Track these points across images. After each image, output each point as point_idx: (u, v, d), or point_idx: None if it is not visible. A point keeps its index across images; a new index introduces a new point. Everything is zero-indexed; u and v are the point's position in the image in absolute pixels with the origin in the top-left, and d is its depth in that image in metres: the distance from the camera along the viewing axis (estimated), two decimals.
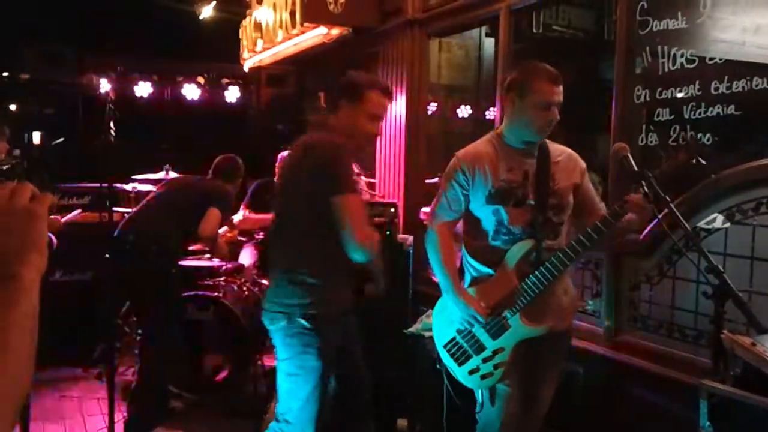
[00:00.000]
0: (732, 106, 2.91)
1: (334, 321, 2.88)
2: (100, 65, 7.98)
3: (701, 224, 2.93)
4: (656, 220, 2.66)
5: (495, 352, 2.81)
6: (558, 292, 2.83)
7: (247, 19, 6.59)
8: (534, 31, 5.04)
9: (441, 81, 5.54)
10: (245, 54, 6.78)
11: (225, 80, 8.66)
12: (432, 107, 5.39)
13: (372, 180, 5.44)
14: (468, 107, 5.99)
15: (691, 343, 3.04)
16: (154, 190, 4.67)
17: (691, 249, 2.62)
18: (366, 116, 2.96)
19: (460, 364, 2.89)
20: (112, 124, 3.94)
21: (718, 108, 2.95)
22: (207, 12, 7.89)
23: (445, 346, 2.94)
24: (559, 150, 2.87)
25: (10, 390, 0.86)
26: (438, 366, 3.03)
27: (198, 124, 8.63)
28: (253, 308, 4.51)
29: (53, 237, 4.34)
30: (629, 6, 3.34)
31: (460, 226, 2.97)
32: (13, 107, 9.37)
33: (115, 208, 4.45)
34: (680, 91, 3.12)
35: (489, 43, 5.59)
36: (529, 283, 2.73)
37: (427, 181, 4.56)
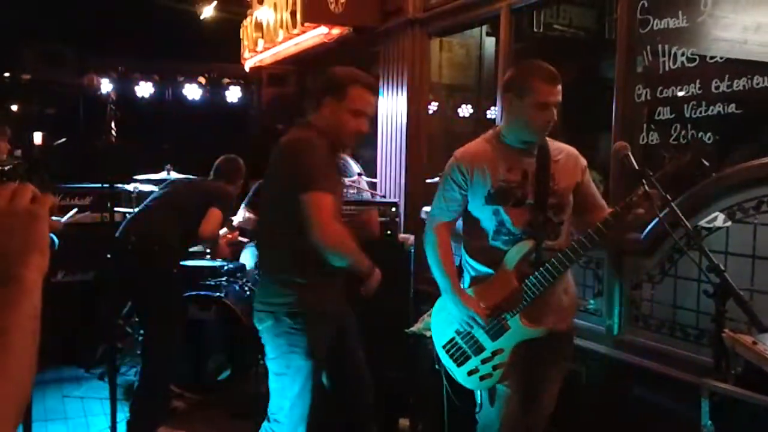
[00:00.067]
0: (733, 105, 2.91)
1: (322, 320, 2.86)
2: (101, 65, 7.99)
3: (702, 223, 2.92)
4: (657, 219, 2.65)
5: (494, 353, 2.80)
6: (558, 292, 2.81)
7: (248, 18, 6.59)
8: (535, 30, 5.04)
9: (442, 80, 5.54)
10: (246, 54, 6.78)
11: (226, 80, 8.67)
12: (433, 107, 5.39)
13: (373, 179, 5.45)
14: (469, 106, 5.99)
15: (693, 342, 3.03)
16: (156, 190, 4.67)
17: (693, 248, 2.62)
18: (349, 112, 2.89)
19: (459, 365, 2.88)
20: (113, 124, 3.94)
21: (719, 107, 2.95)
22: (208, 12, 7.89)
23: (444, 347, 2.93)
24: (559, 148, 2.85)
25: (12, 391, 0.86)
26: (437, 366, 3.03)
27: (199, 124, 8.64)
28: None
29: (55, 237, 4.34)
30: (630, 5, 3.34)
31: (460, 223, 2.96)
32: (14, 107, 9.38)
33: (116, 209, 4.46)
34: (681, 90, 3.12)
35: (490, 42, 5.59)
36: (528, 284, 2.71)
37: (428, 180, 4.56)
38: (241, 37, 6.86)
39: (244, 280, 5.07)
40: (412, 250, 4.43)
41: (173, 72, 8.68)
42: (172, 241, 4.15)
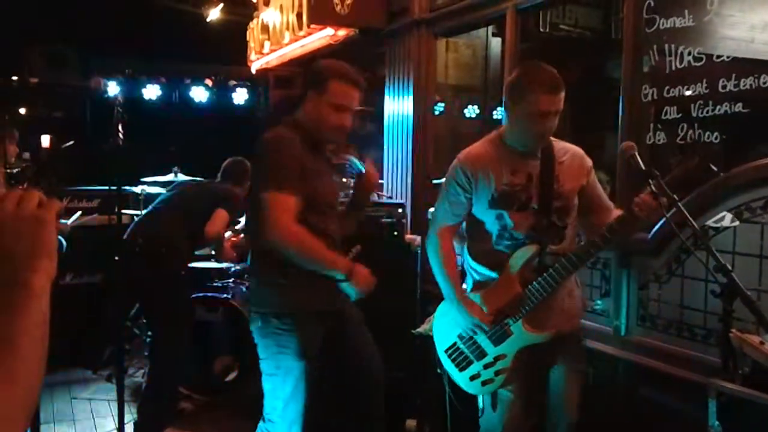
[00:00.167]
0: (740, 104, 2.89)
1: (310, 320, 2.82)
2: (108, 68, 8.02)
3: (710, 223, 2.91)
4: (664, 219, 2.64)
5: (496, 359, 2.78)
6: (562, 296, 2.79)
7: (254, 21, 6.60)
8: (541, 30, 5.03)
9: (448, 81, 5.54)
10: (252, 56, 6.79)
11: (233, 82, 8.68)
12: (439, 107, 5.38)
13: (379, 180, 5.45)
14: (475, 107, 5.99)
15: (700, 342, 3.02)
16: (163, 192, 4.69)
17: (700, 248, 2.61)
18: (330, 107, 2.82)
19: (461, 370, 2.86)
20: (120, 127, 3.96)
21: (726, 106, 2.93)
22: (214, 14, 7.91)
23: (446, 351, 2.91)
24: (564, 149, 2.82)
25: (20, 395, 0.86)
26: (439, 371, 3.01)
27: (206, 126, 8.67)
28: None
29: (63, 240, 4.37)
30: (636, 4, 3.33)
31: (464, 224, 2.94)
32: (22, 111, 9.42)
33: (123, 211, 4.48)
34: (688, 90, 3.10)
35: (496, 43, 5.58)
36: (532, 289, 2.69)
37: (434, 181, 4.55)
38: (247, 39, 6.87)
39: None
40: (419, 251, 4.42)
41: (180, 74, 8.69)
42: (179, 243, 4.16)
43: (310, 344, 2.83)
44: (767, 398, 1.86)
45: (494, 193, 2.73)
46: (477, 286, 2.87)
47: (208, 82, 8.65)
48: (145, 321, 4.89)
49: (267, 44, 6.23)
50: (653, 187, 2.45)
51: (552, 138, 2.78)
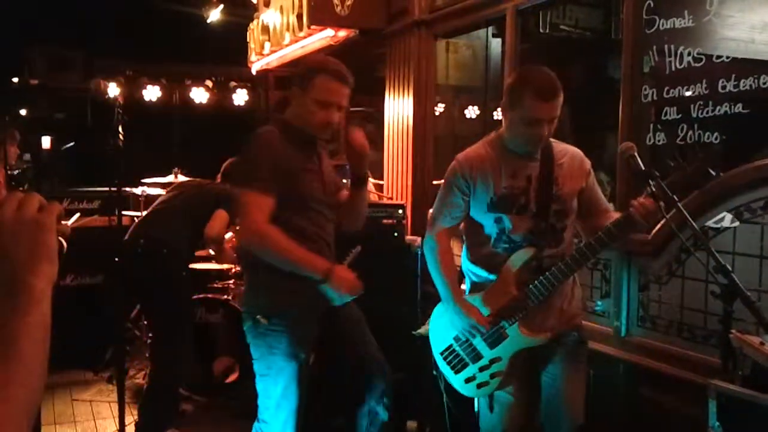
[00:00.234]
0: (740, 105, 2.89)
1: (299, 320, 2.79)
2: (108, 70, 8.03)
3: (710, 223, 2.91)
4: (664, 220, 2.64)
5: (492, 362, 2.77)
6: (560, 300, 2.78)
7: (255, 22, 6.61)
8: (541, 30, 5.03)
9: (448, 82, 5.54)
10: (253, 57, 6.80)
11: (233, 83, 8.69)
12: (440, 108, 5.39)
13: (380, 181, 5.45)
14: (476, 108, 5.99)
15: (701, 342, 3.02)
16: (164, 193, 4.69)
17: (700, 248, 2.61)
18: (314, 103, 2.78)
19: (456, 372, 2.85)
20: (120, 128, 3.96)
21: (726, 106, 2.93)
22: (215, 15, 7.92)
23: (441, 354, 2.90)
24: (563, 150, 2.80)
25: (21, 398, 0.87)
26: (435, 372, 3.00)
27: (206, 127, 8.68)
28: None
29: (63, 242, 4.37)
30: (636, 5, 3.33)
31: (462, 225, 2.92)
32: (23, 112, 9.44)
33: (124, 212, 4.48)
34: (688, 90, 3.10)
35: (496, 43, 5.58)
36: (528, 292, 2.68)
37: (435, 182, 4.56)
38: (247, 40, 6.88)
39: None
40: (419, 252, 4.43)
41: (180, 75, 8.70)
42: (180, 244, 4.16)
43: (301, 344, 2.80)
44: (767, 398, 1.86)
45: (493, 197, 2.71)
46: (475, 288, 2.86)
47: (209, 83, 8.65)
48: (145, 322, 4.89)
49: (267, 45, 6.24)
50: (653, 188, 2.44)
51: (552, 139, 2.77)
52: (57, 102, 9.44)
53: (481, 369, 2.79)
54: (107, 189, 5.22)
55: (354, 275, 2.79)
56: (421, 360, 3.79)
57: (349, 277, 2.77)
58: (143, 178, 5.59)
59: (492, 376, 2.77)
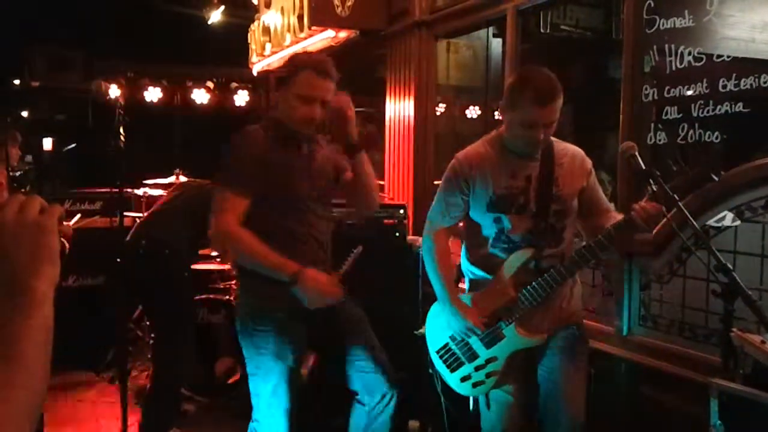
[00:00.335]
0: (740, 104, 2.89)
1: (286, 320, 2.78)
2: (109, 71, 8.04)
3: (711, 222, 2.91)
4: (665, 219, 2.65)
5: (488, 361, 2.77)
6: (558, 301, 2.77)
7: (256, 23, 6.61)
8: (542, 31, 5.03)
9: (449, 82, 5.54)
10: (254, 58, 6.80)
11: (234, 84, 8.68)
12: (440, 108, 5.39)
13: (381, 182, 5.45)
14: (476, 108, 5.99)
15: (702, 341, 3.02)
16: (165, 194, 4.69)
17: (701, 247, 2.61)
18: (297, 98, 2.76)
19: (452, 371, 2.85)
20: (122, 129, 3.97)
21: (727, 106, 2.93)
22: (216, 16, 7.93)
23: (437, 352, 2.90)
24: (564, 150, 2.80)
25: (24, 400, 0.87)
26: (430, 371, 3.00)
27: (207, 128, 8.66)
28: None
29: (65, 242, 4.38)
30: (636, 5, 3.33)
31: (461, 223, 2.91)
32: (24, 113, 9.45)
33: (126, 213, 4.49)
34: (688, 90, 3.10)
35: (497, 44, 5.58)
36: (526, 293, 2.68)
37: (436, 182, 4.56)
38: (248, 41, 6.88)
39: None
40: (420, 252, 4.43)
41: (181, 77, 8.70)
42: (181, 245, 4.17)
43: (288, 345, 2.79)
44: None
45: (492, 196, 2.71)
46: (473, 287, 2.86)
47: (210, 84, 8.65)
48: (147, 323, 4.89)
49: (268, 46, 6.24)
50: (653, 188, 2.44)
51: (553, 138, 2.76)
52: (58, 103, 9.45)
53: (477, 368, 2.79)
54: (109, 190, 5.24)
55: (328, 279, 2.75)
56: (422, 360, 3.79)
57: (322, 280, 2.72)
58: (144, 179, 5.59)
59: (488, 375, 2.77)
